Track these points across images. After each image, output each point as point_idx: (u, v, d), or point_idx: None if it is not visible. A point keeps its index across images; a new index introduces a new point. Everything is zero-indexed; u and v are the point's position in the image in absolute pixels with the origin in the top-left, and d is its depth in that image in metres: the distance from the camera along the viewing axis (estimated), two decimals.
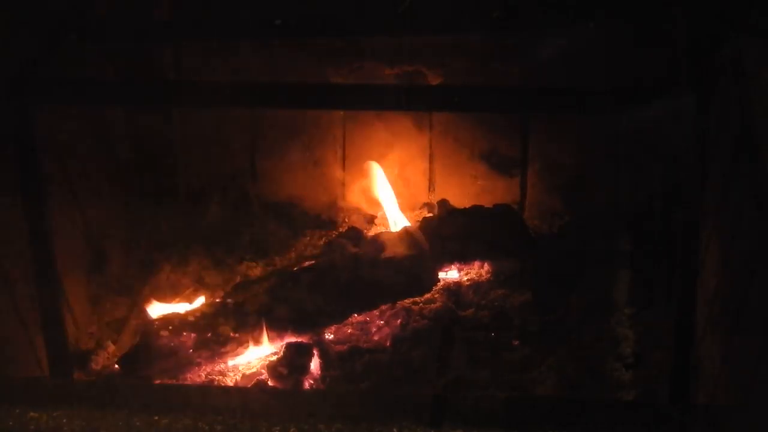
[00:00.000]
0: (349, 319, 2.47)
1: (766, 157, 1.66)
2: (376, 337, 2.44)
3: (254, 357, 2.39)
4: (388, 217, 2.87)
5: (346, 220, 2.96)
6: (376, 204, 2.90)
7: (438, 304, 2.54)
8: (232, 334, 2.36)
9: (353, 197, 2.95)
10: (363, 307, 2.49)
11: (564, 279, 2.60)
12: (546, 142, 2.85)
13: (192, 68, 2.79)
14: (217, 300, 2.51)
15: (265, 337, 2.38)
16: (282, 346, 2.37)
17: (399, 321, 2.47)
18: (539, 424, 1.54)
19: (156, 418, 1.56)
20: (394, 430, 1.51)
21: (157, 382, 2.27)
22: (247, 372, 2.35)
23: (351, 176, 2.95)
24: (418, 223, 2.72)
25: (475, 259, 2.67)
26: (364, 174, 2.88)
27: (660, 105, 1.91)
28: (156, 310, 2.54)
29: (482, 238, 2.64)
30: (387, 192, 2.87)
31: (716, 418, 1.60)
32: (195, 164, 2.96)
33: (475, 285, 2.61)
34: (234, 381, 2.33)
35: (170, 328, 2.36)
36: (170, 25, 2.72)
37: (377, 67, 2.78)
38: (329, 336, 2.44)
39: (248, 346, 2.37)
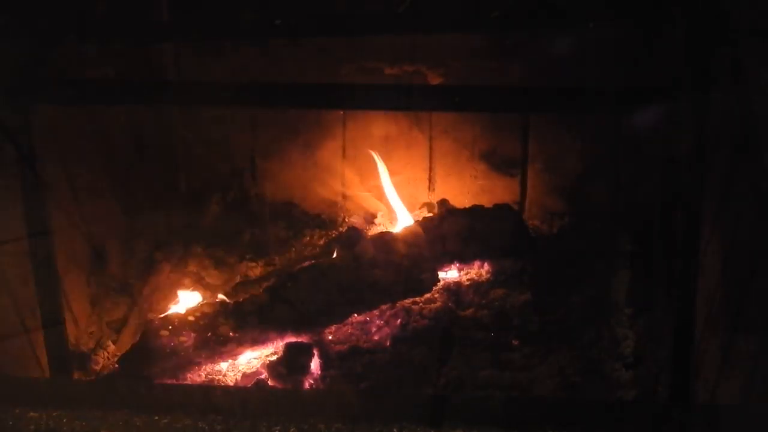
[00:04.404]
0: (349, 319, 2.47)
1: (766, 157, 1.66)
2: (376, 337, 2.44)
3: (254, 357, 2.40)
4: (393, 212, 2.87)
5: (346, 220, 2.97)
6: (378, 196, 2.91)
7: (438, 304, 2.54)
8: (232, 334, 2.36)
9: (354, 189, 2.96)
10: (363, 307, 2.49)
11: (564, 279, 2.60)
12: (546, 142, 2.85)
13: (192, 68, 2.79)
14: (217, 300, 2.51)
15: (265, 337, 2.38)
16: (282, 346, 2.37)
17: (399, 321, 2.47)
18: (539, 424, 1.54)
19: (156, 418, 1.56)
20: (394, 430, 1.51)
21: (157, 382, 2.27)
22: (247, 372, 2.36)
23: (351, 176, 2.95)
24: (418, 223, 2.72)
25: (475, 259, 2.67)
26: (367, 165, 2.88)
27: (660, 105, 1.91)
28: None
29: (482, 238, 2.64)
30: (389, 188, 2.87)
31: (716, 418, 1.59)
32: (195, 164, 2.96)
33: (475, 285, 2.61)
34: (234, 381, 2.33)
35: (170, 328, 2.36)
36: (170, 25, 2.73)
37: (377, 67, 2.78)
38: (329, 336, 2.44)
39: (248, 346, 2.37)
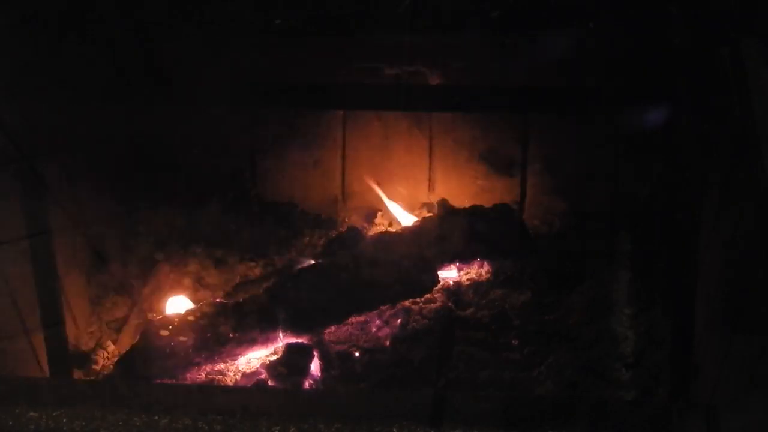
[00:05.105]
0: (349, 319, 2.47)
1: (766, 157, 1.66)
2: (376, 337, 2.44)
3: (254, 357, 2.40)
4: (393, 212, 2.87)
5: (346, 220, 2.96)
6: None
7: (438, 304, 2.54)
8: (231, 334, 2.36)
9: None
10: (363, 308, 2.49)
11: (564, 279, 2.60)
12: (546, 143, 2.85)
13: (192, 67, 2.79)
14: (217, 300, 2.51)
15: (265, 337, 2.38)
16: (282, 347, 2.37)
17: (399, 321, 2.47)
18: (539, 424, 1.54)
19: (156, 418, 1.56)
20: (394, 430, 1.51)
21: (157, 382, 2.27)
22: (247, 372, 2.35)
23: (351, 176, 2.95)
24: (418, 223, 2.72)
25: (475, 259, 2.67)
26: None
27: (660, 105, 1.91)
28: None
29: (482, 238, 2.64)
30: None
31: (716, 418, 1.60)
32: (195, 164, 2.96)
33: (475, 285, 2.61)
34: (234, 381, 2.33)
35: (170, 328, 2.36)
36: (170, 25, 2.72)
37: (377, 67, 2.78)
38: (329, 336, 2.44)
39: (248, 347, 2.37)
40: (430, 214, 2.86)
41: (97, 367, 2.46)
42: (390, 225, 2.88)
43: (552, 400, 2.11)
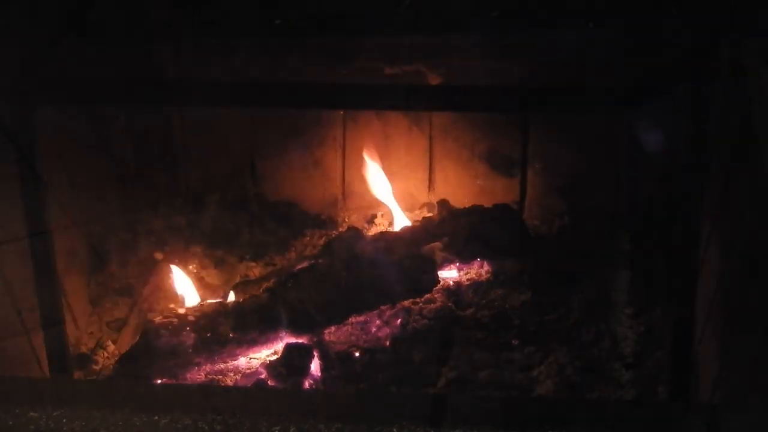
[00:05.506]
0: (349, 319, 2.47)
1: (766, 157, 1.66)
2: (376, 337, 2.44)
3: (254, 357, 2.40)
4: (392, 213, 2.87)
5: (346, 220, 2.97)
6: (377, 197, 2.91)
7: (438, 304, 2.54)
8: (231, 335, 2.36)
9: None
10: (363, 308, 2.49)
11: (563, 278, 2.60)
12: (546, 142, 2.85)
13: (192, 68, 2.79)
14: (217, 300, 2.51)
15: (264, 338, 2.38)
16: (282, 347, 2.37)
17: (399, 321, 2.47)
18: (539, 424, 1.54)
19: (156, 418, 1.56)
20: (394, 430, 1.51)
21: (157, 382, 2.27)
22: (247, 372, 2.35)
23: (351, 176, 2.95)
24: (419, 223, 2.72)
25: (475, 259, 2.67)
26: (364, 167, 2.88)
27: (660, 105, 1.91)
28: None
29: (482, 238, 2.64)
30: (386, 189, 2.88)
31: (716, 418, 1.60)
32: (195, 164, 2.96)
33: (475, 285, 2.61)
34: (234, 381, 2.33)
35: (170, 328, 2.36)
36: (170, 25, 2.72)
37: (377, 67, 2.78)
38: (329, 336, 2.44)
39: (248, 347, 2.37)
40: (430, 214, 2.86)
41: (97, 367, 2.46)
42: (390, 225, 2.88)
43: (552, 400, 2.11)
